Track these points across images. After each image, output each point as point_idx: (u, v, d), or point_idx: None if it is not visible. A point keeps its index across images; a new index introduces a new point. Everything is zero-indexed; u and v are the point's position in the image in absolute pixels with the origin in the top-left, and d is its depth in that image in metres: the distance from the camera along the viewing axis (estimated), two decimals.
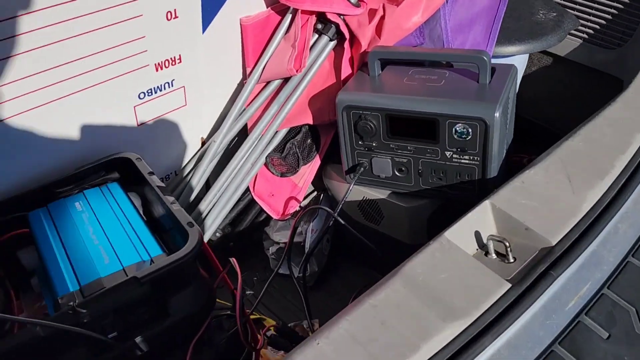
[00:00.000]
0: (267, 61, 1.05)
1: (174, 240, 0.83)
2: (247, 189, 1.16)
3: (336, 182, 1.10)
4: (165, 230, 0.86)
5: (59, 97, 0.86)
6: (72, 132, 0.91)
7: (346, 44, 1.03)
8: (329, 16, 1.01)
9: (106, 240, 0.78)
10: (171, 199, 0.83)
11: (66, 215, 0.83)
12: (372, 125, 0.93)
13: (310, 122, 1.09)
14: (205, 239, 1.15)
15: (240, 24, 1.04)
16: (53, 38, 0.80)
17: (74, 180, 0.90)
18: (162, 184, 0.86)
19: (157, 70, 0.96)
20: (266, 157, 1.13)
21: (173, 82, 1.01)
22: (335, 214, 0.97)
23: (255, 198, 1.16)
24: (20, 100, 0.81)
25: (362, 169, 0.99)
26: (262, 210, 1.20)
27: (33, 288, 0.88)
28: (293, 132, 1.14)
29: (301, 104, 1.08)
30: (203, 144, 1.15)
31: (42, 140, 0.88)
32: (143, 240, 0.78)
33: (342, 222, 0.96)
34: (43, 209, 0.85)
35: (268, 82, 1.08)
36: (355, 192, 1.00)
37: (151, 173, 0.88)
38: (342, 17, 1.01)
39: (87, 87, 0.89)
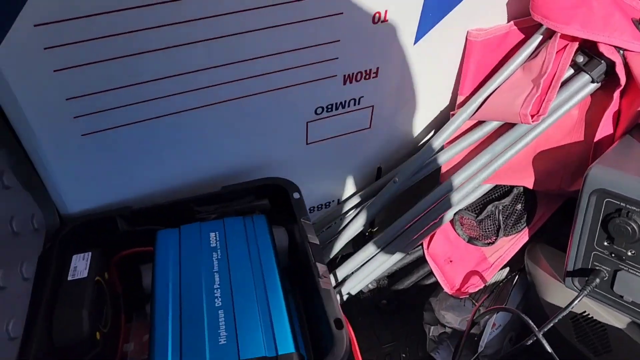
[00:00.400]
0: (491, 94, 0.76)
1: (316, 320, 0.62)
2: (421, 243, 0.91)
3: (545, 273, 0.79)
4: (307, 294, 0.66)
5: (223, 100, 0.69)
6: (228, 141, 0.74)
7: (616, 93, 0.70)
8: (602, 48, 0.69)
9: (230, 304, 0.59)
10: (323, 268, 0.61)
11: (196, 249, 0.66)
12: (635, 227, 0.61)
13: (529, 185, 0.79)
14: (355, 291, 0.93)
15: (467, 39, 0.77)
16: (233, 29, 0.61)
17: (217, 201, 0.73)
18: (316, 241, 0.65)
19: (344, 83, 0.74)
20: (455, 214, 0.86)
21: (361, 99, 0.78)
22: (540, 334, 0.67)
23: (427, 258, 0.90)
24: (177, 98, 0.65)
25: (597, 280, 0.67)
26: (431, 273, 0.93)
27: (146, 315, 0.74)
28: (499, 191, 0.85)
29: (523, 158, 0.78)
30: (378, 177, 0.92)
31: (193, 146, 0.72)
32: (275, 322, 0.57)
33: (549, 349, 0.66)
34: (174, 231, 0.69)
35: (483, 121, 0.80)
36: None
37: (307, 219, 0.67)
38: (621, 52, 0.69)
39: (258, 92, 0.70)
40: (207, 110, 0.68)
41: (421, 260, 0.94)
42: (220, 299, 0.60)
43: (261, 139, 0.76)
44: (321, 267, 0.61)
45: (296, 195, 0.71)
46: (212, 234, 0.69)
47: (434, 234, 0.89)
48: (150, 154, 0.69)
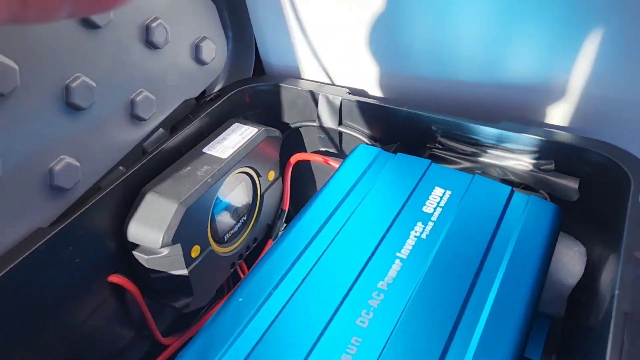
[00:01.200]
0: None
1: None
2: None
3: None
4: None
5: None
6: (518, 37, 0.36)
7: None
8: None
9: (383, 338, 0.27)
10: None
11: (398, 198, 0.37)
12: None
13: None
14: None
15: None
16: None
17: (479, 141, 0.39)
18: None
19: None
20: None
21: None
22: None
23: None
24: None
25: None
26: None
27: None
28: None
29: None
30: None
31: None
32: None
33: None
34: (383, 155, 0.41)
35: None
36: None
37: None
38: None
39: None
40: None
41: None
42: (369, 315, 0.28)
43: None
44: None
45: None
46: (438, 191, 0.36)
47: None
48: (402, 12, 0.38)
